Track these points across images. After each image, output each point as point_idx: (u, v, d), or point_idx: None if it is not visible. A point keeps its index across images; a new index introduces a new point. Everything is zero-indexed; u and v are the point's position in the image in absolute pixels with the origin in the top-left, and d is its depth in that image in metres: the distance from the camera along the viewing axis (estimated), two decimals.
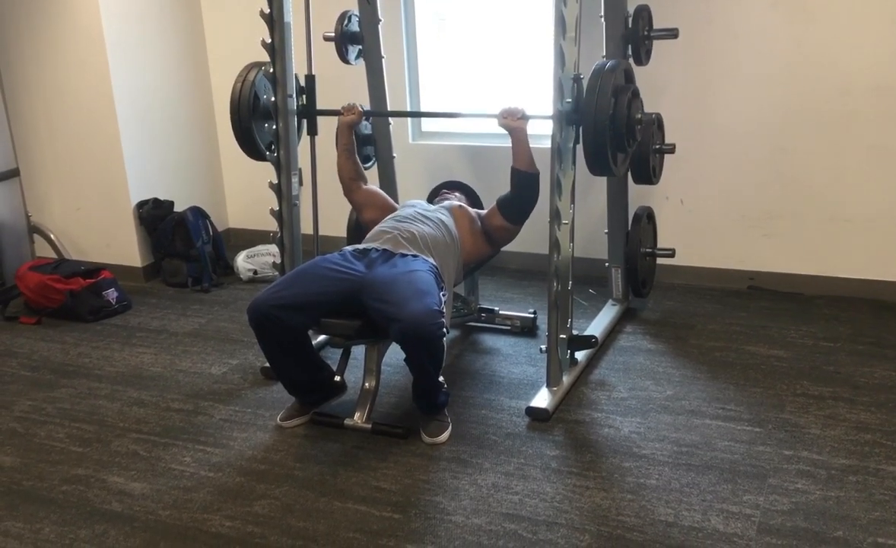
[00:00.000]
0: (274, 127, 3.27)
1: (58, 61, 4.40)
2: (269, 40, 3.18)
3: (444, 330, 2.66)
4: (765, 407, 2.91)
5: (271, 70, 3.20)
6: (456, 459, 2.68)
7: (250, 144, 3.37)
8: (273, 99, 3.24)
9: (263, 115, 3.34)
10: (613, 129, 2.81)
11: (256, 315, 2.75)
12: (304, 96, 3.39)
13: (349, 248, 3.02)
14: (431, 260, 2.92)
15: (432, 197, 3.62)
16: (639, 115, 2.92)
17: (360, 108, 3.36)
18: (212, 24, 4.83)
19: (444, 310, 2.72)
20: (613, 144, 2.84)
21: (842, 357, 3.27)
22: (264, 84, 3.30)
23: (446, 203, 3.34)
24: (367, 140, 3.85)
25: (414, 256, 2.90)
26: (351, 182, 3.38)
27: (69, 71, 4.38)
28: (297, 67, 3.29)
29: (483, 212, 3.31)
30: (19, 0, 4.37)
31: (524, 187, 3.11)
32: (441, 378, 2.80)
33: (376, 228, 3.13)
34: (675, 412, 2.90)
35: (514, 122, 3.07)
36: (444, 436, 2.79)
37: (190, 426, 2.98)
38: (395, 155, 3.96)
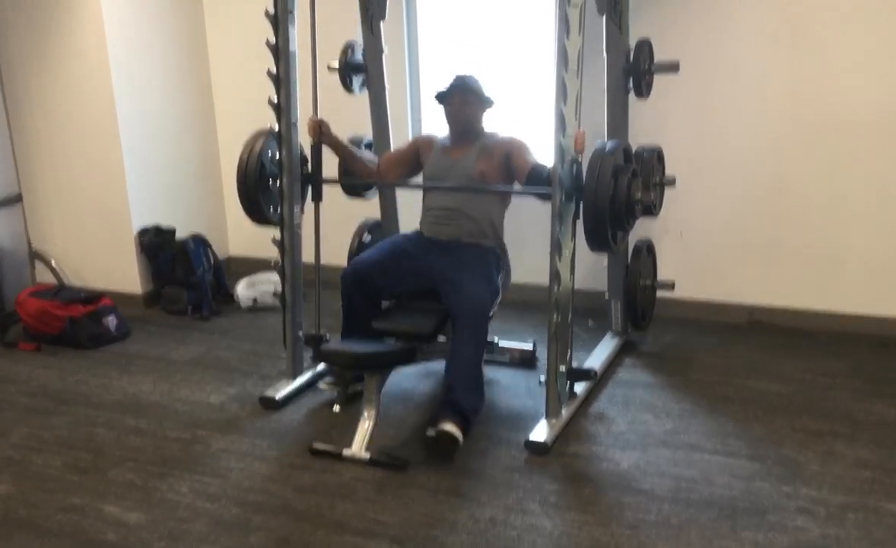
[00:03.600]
0: (278, 155, 3.28)
1: (62, 88, 4.43)
2: (274, 71, 3.20)
3: (491, 312, 3.03)
4: (764, 442, 2.90)
5: (276, 99, 3.22)
6: (454, 492, 2.67)
7: (257, 213, 3.38)
8: (277, 129, 3.25)
9: (270, 183, 3.34)
10: (613, 211, 2.83)
11: (354, 275, 3.16)
12: (308, 164, 3.38)
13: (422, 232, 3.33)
14: (490, 242, 3.23)
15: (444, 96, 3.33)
16: (638, 196, 2.94)
17: (317, 122, 3.28)
18: (216, 52, 4.87)
19: (500, 286, 3.18)
20: (613, 224, 2.87)
21: (841, 393, 3.26)
22: (270, 152, 3.32)
23: (473, 171, 3.23)
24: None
25: (475, 244, 3.19)
26: (370, 176, 3.48)
27: (73, 97, 4.42)
28: (301, 86, 3.31)
29: (514, 158, 3.18)
30: (24, 27, 4.42)
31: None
32: (483, 375, 2.98)
33: (432, 214, 3.29)
34: (674, 447, 2.89)
35: None
36: (455, 430, 2.81)
37: (187, 456, 2.97)
38: None
